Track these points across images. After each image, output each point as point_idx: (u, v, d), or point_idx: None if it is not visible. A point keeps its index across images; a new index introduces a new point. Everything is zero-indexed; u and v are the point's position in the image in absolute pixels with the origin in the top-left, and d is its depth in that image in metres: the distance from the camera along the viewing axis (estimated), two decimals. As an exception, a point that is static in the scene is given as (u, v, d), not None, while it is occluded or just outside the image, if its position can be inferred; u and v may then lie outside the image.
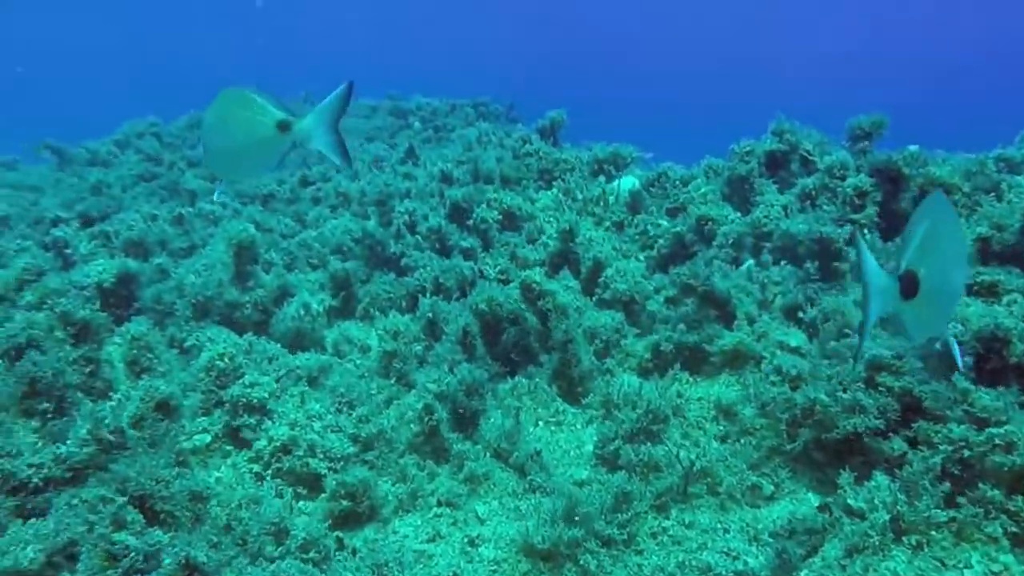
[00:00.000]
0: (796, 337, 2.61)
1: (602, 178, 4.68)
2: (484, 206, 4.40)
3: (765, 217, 3.21)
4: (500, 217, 4.39)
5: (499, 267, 4.15)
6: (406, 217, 4.60)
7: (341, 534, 2.44)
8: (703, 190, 3.83)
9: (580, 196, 4.76)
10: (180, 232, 4.59)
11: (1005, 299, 2.39)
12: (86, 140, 7.83)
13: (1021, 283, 2.46)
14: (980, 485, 1.79)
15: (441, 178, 5.33)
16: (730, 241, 3.25)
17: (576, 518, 2.21)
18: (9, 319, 2.97)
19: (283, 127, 2.05)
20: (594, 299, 3.52)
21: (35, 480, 2.22)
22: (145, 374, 3.18)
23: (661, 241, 3.55)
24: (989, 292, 2.44)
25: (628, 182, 4.59)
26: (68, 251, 4.24)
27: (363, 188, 5.37)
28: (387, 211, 4.88)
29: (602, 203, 4.55)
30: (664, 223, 3.91)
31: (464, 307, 3.63)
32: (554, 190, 5.06)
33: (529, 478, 2.61)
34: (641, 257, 3.88)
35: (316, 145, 2.05)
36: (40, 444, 2.40)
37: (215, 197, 6.02)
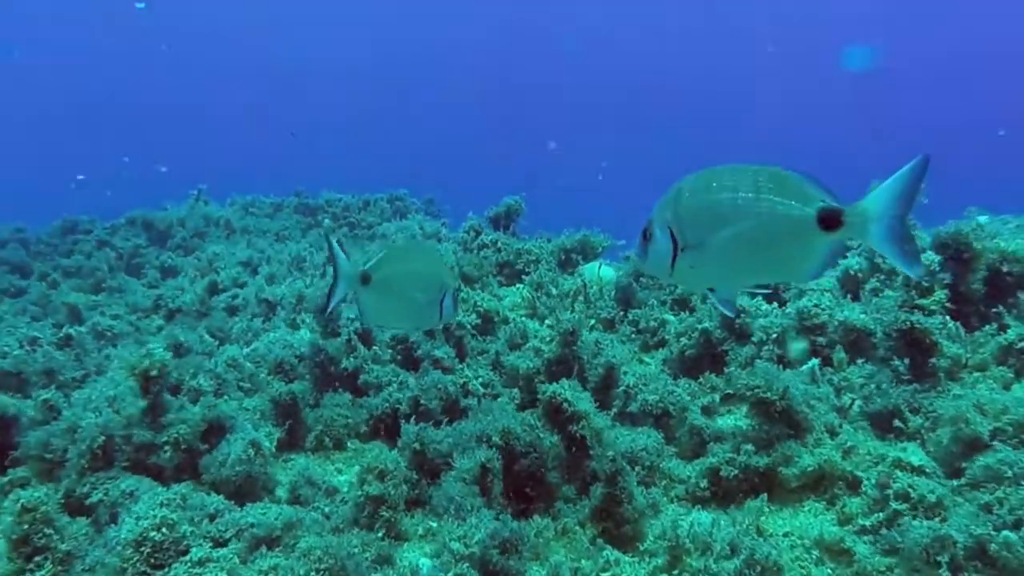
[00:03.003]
0: (916, 454, 2.18)
1: (587, 269, 4.24)
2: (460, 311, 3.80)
3: (815, 306, 2.85)
4: (478, 321, 3.81)
5: (480, 379, 3.54)
6: (356, 326, 3.91)
7: None
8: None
9: (554, 291, 4.29)
10: (70, 357, 3.64)
11: None
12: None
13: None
14: None
15: (389, 278, 4.70)
16: (773, 336, 2.85)
17: None
18: None
19: None
20: (611, 413, 2.97)
21: None
22: (42, 556, 2.26)
23: (685, 340, 3.10)
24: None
25: (607, 272, 4.18)
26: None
27: (299, 294, 4.63)
28: (331, 319, 4.16)
29: (583, 298, 4.09)
30: (670, 317, 3.48)
31: (455, 433, 2.98)
32: (521, 286, 4.57)
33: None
34: (649, 359, 3.40)
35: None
36: None
37: None
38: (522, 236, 5.42)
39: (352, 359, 3.72)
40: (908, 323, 2.52)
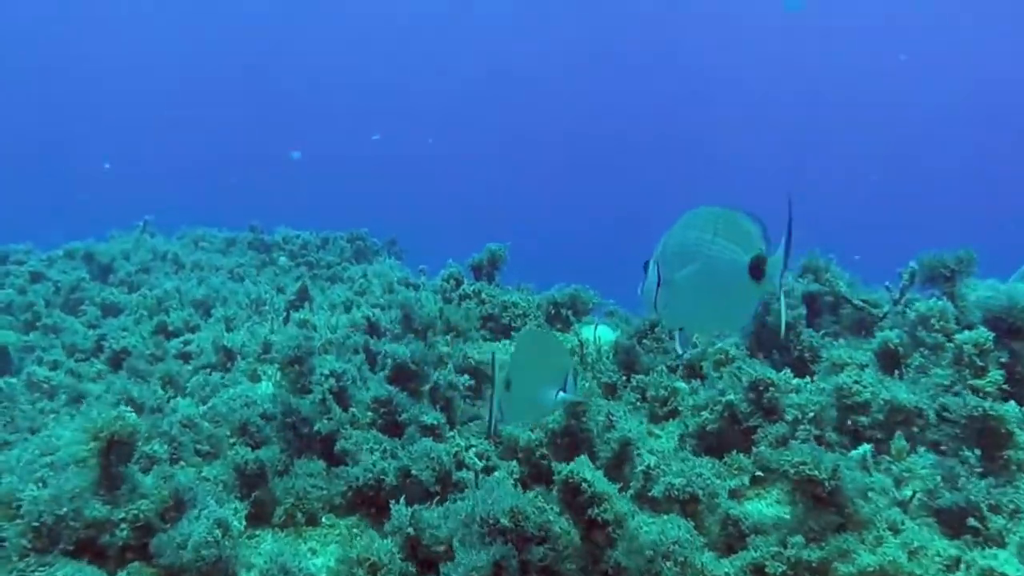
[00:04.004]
0: (1011, 563, 1.95)
1: (584, 329, 3.98)
2: (448, 367, 3.48)
3: (855, 382, 2.64)
4: (470, 381, 3.48)
5: (474, 448, 3.20)
6: (332, 382, 3.53)
7: None
8: (719, 344, 3.24)
9: (548, 350, 4.00)
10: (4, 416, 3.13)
11: None
12: None
13: None
14: None
15: (367, 328, 4.34)
16: (809, 415, 2.62)
17: None
18: None
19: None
20: (628, 494, 2.68)
21: None
22: None
23: (706, 414, 2.84)
24: None
25: (605, 332, 3.94)
26: None
27: (265, 341, 4.21)
28: (302, 374, 3.76)
29: (579, 358, 3.82)
30: (681, 385, 3.24)
31: (453, 514, 2.63)
32: (508, 342, 4.27)
33: None
34: (659, 431, 3.14)
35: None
36: None
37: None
38: (504, 286, 5.14)
39: (327, 421, 3.33)
40: (981, 409, 2.33)
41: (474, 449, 3.19)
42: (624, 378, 3.51)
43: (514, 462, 3.09)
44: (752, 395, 2.77)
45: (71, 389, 4.08)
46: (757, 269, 1.67)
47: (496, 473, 3.04)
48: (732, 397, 2.77)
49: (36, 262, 6.80)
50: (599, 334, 3.83)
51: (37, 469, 2.57)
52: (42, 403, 3.59)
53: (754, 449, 2.69)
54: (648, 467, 2.60)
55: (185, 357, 4.59)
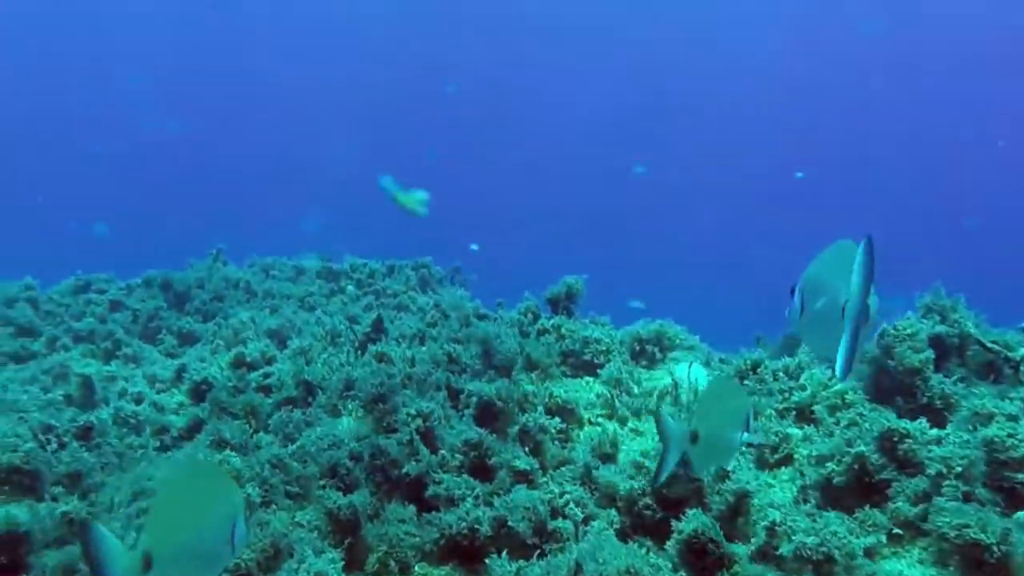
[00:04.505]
0: None
1: (678, 368, 3.79)
2: (539, 409, 3.34)
3: (1009, 435, 2.40)
4: (562, 424, 3.34)
5: (566, 497, 3.03)
6: (419, 423, 3.43)
7: None
8: (837, 387, 3.02)
9: (636, 389, 3.83)
10: (93, 454, 3.12)
11: None
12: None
13: None
14: None
15: (447, 363, 4.24)
16: (955, 471, 2.38)
17: None
18: None
19: None
20: (749, 551, 2.47)
21: None
22: None
23: (832, 465, 2.62)
24: None
25: (699, 373, 3.74)
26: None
27: (347, 379, 4.15)
28: (386, 412, 3.67)
29: (672, 399, 3.64)
30: (795, 431, 3.02)
31: (552, 570, 2.48)
32: (591, 380, 4.11)
33: None
34: (770, 479, 2.92)
35: None
36: None
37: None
38: (581, 319, 4.99)
39: (415, 463, 3.23)
40: None
41: (569, 496, 3.02)
42: None
43: (612, 510, 2.92)
44: (884, 446, 2.54)
45: (156, 423, 4.09)
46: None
47: (595, 523, 2.87)
48: (863, 449, 2.54)
49: (116, 291, 6.97)
50: (693, 374, 3.64)
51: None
52: (130, 438, 3.59)
53: (890, 505, 2.46)
54: (773, 522, 2.40)
55: (265, 390, 4.57)
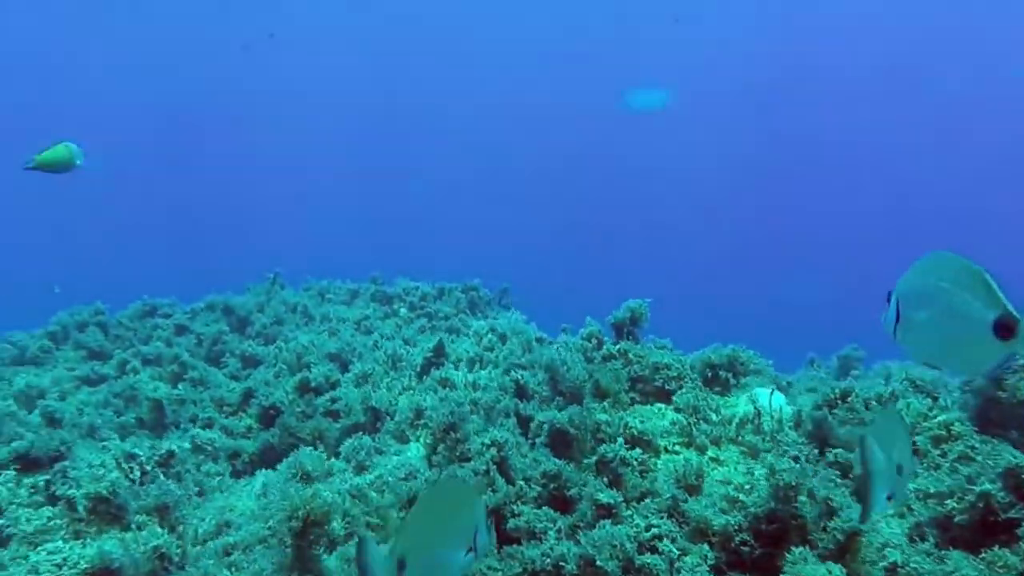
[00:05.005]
0: None
1: (761, 395, 3.67)
2: (619, 441, 3.26)
3: None
4: (642, 455, 3.25)
5: (654, 531, 2.94)
6: (494, 452, 3.38)
7: None
8: (941, 417, 2.87)
9: (715, 417, 3.72)
10: (179, 486, 3.15)
11: None
12: (13, 331, 6.31)
13: None
14: None
15: (515, 390, 4.20)
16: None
17: None
18: None
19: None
20: (856, 594, 2.35)
21: None
22: None
23: (952, 503, 2.48)
24: None
25: (780, 400, 3.62)
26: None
27: (417, 405, 4.14)
28: (458, 441, 3.63)
29: (754, 427, 3.52)
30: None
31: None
32: (663, 406, 4.02)
33: None
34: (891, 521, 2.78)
35: None
36: None
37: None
38: (646, 343, 4.90)
39: (492, 494, 3.18)
40: None
41: (657, 530, 2.93)
42: (816, 452, 3.18)
43: (704, 545, 2.82)
44: (1010, 482, 2.39)
45: (228, 448, 4.13)
46: (1006, 328, 1.67)
47: (687, 558, 2.77)
48: (989, 487, 2.40)
49: (181, 315, 7.13)
50: (774, 401, 3.52)
51: (220, 550, 2.52)
52: (207, 465, 3.62)
53: (1021, 544, 2.30)
54: (895, 564, 2.27)
55: (333, 415, 4.59)
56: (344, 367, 5.79)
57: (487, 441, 3.42)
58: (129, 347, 6.40)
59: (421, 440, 4.22)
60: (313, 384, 5.20)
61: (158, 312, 7.23)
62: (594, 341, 4.75)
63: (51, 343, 6.26)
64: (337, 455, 4.06)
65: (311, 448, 3.72)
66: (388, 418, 4.43)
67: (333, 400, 4.71)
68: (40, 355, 6.04)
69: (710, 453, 3.54)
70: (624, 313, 4.85)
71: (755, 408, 3.48)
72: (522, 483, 3.21)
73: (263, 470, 3.83)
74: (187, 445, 3.64)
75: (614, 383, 4.09)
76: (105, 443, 3.40)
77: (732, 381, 4.18)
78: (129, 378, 5.64)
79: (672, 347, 4.91)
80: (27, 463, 3.09)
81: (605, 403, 3.77)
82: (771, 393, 3.59)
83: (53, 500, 2.92)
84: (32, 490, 2.93)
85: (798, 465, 2.62)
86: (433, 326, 8.04)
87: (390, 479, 3.29)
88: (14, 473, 2.95)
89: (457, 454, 3.57)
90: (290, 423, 4.34)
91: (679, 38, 29.69)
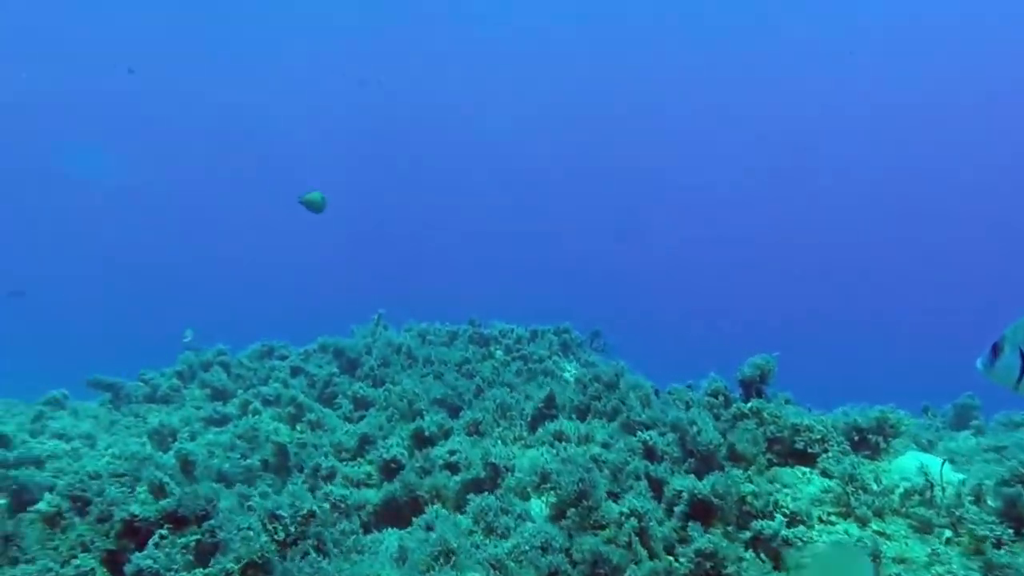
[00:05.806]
0: None
1: (932, 464, 3.38)
2: (777, 518, 3.06)
3: None
4: (805, 531, 3.04)
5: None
6: (634, 523, 3.23)
7: None
8: None
9: (876, 487, 3.45)
10: (328, 563, 3.15)
11: None
12: (145, 369, 6.66)
13: None
14: None
15: (643, 451, 4.05)
16: None
17: None
18: None
19: None
20: None
21: None
22: None
23: None
24: None
25: (948, 472, 3.32)
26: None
27: (541, 467, 4.04)
28: (590, 508, 3.49)
29: (923, 499, 3.23)
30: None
31: None
32: (811, 472, 3.77)
33: None
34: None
35: None
36: None
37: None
38: (773, 399, 4.65)
39: (635, 567, 3.03)
40: None
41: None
42: (1011, 532, 2.87)
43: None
44: None
45: (356, 501, 4.16)
46: None
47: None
48: None
49: (295, 356, 7.35)
50: (945, 472, 3.23)
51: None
52: (342, 524, 3.64)
53: None
54: None
55: (451, 468, 4.55)
56: (451, 411, 5.79)
57: (625, 510, 3.28)
58: (250, 387, 6.63)
59: (543, 499, 4.12)
60: (427, 433, 5.21)
61: (275, 353, 7.48)
62: (721, 398, 4.55)
63: (179, 381, 6.56)
64: (458, 508, 4.02)
65: (444, 510, 3.68)
66: (508, 473, 4.35)
67: (452, 452, 4.68)
68: (170, 393, 6.34)
69: (873, 526, 3.27)
70: (752, 371, 4.63)
71: (928, 481, 3.19)
72: (670, 559, 3.05)
73: (392, 529, 3.82)
74: (326, 505, 3.68)
75: (751, 447, 3.88)
76: (249, 502, 3.46)
77: (882, 445, 3.89)
78: (250, 419, 5.82)
79: (795, 401, 4.66)
80: (176, 520, 3.18)
81: (749, 471, 3.57)
82: (942, 464, 3.29)
83: (203, 560, 2.98)
84: (184, 550, 3.00)
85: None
86: (529, 368, 7.99)
87: (527, 548, 3.19)
88: (167, 533, 3.03)
89: (591, 521, 3.44)
90: (410, 479, 4.34)
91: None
